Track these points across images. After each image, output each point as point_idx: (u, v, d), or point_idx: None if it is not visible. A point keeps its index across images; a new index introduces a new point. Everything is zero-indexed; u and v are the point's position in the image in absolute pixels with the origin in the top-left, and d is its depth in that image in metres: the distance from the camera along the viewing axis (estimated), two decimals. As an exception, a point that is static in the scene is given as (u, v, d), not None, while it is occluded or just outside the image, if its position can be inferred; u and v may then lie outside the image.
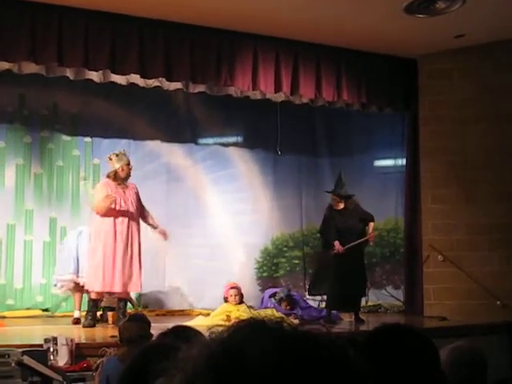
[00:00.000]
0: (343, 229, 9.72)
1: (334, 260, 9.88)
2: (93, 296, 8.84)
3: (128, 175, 9.00)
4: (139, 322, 5.39)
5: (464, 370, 3.02)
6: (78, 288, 9.22)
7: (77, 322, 9.07)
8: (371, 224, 10.02)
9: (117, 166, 8.94)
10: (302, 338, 1.01)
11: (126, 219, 8.82)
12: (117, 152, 9.08)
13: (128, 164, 9.00)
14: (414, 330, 2.12)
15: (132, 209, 8.90)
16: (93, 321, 8.76)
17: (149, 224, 9.16)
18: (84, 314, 8.99)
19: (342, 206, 9.96)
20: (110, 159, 9.01)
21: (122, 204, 8.82)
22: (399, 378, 1.91)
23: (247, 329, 1.01)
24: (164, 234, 9.26)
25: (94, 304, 8.87)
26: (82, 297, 9.27)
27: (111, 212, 8.71)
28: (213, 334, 1.03)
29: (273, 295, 10.53)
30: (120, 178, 8.93)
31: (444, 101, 10.60)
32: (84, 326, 8.68)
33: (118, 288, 8.78)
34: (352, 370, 0.99)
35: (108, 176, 9.02)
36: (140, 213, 9.03)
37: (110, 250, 8.69)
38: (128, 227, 8.82)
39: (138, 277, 8.85)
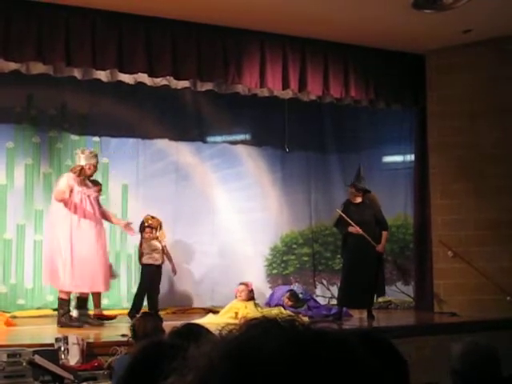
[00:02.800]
0: (358, 222, 9.70)
1: (345, 255, 9.90)
2: (62, 296, 8.81)
3: (92, 174, 9.00)
4: (153, 319, 5.41)
5: (477, 365, 3.01)
6: None
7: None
8: (384, 233, 9.89)
9: (83, 162, 8.92)
10: (316, 334, 1.01)
11: (88, 218, 8.84)
12: (90, 150, 9.10)
13: (95, 165, 9.01)
14: (376, 336, 2.12)
15: (94, 207, 8.93)
16: (75, 322, 8.71)
17: (114, 223, 9.21)
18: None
19: (359, 199, 9.93)
20: (82, 152, 9.01)
21: (84, 201, 8.84)
22: None
23: (261, 326, 1.02)
24: (130, 230, 9.28)
25: (65, 304, 8.81)
26: (100, 295, 9.25)
27: (71, 207, 8.73)
28: (223, 332, 1.04)
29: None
30: (85, 175, 8.91)
31: (452, 96, 10.58)
32: (62, 326, 8.62)
33: (85, 288, 8.82)
34: (364, 368, 0.99)
35: (73, 171, 8.96)
36: (102, 214, 9.05)
37: (68, 249, 8.66)
38: (90, 226, 8.83)
39: (105, 276, 8.87)
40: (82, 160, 8.93)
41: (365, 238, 9.61)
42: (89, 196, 8.89)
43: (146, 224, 9.80)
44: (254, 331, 1.00)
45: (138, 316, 5.79)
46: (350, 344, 1.02)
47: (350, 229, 9.68)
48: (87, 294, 9.00)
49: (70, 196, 8.70)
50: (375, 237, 9.73)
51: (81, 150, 9.07)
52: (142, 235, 9.79)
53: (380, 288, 10.10)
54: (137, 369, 2.14)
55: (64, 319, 8.70)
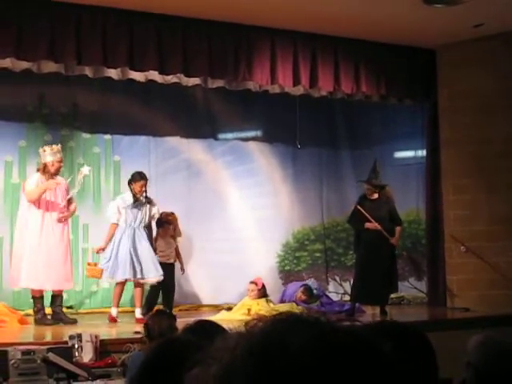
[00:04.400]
0: (374, 218, 9.68)
1: (359, 251, 9.90)
2: (34, 294, 8.87)
3: (58, 171, 9.00)
4: (166, 317, 5.43)
5: (493, 359, 3.01)
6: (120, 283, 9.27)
7: (113, 319, 9.08)
8: (398, 228, 9.93)
9: (48, 159, 8.93)
10: (342, 329, 1.01)
11: (55, 214, 8.89)
12: (53, 146, 9.08)
13: (60, 161, 9.01)
14: (408, 327, 2.12)
15: (61, 204, 8.96)
16: (48, 319, 8.77)
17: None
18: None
19: (375, 195, 9.93)
20: (44, 151, 9.02)
21: (52, 199, 8.89)
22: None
23: (287, 321, 1.02)
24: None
25: (40, 302, 8.86)
26: (121, 294, 9.30)
27: (40, 205, 8.81)
28: (248, 326, 1.03)
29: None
30: (49, 173, 8.92)
31: (464, 91, 10.55)
32: (38, 325, 8.70)
33: (49, 285, 8.85)
34: (388, 364, 0.99)
35: (37, 170, 9.05)
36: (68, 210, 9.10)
37: (36, 246, 8.73)
38: (56, 222, 8.88)
39: (69, 273, 8.92)
40: (46, 157, 8.96)
41: (380, 233, 9.60)
42: (58, 194, 8.94)
43: (165, 220, 9.79)
44: (280, 326, 1.00)
45: (151, 314, 5.80)
46: (375, 340, 1.02)
47: (367, 225, 9.65)
48: (60, 290, 9.02)
49: (43, 193, 8.78)
50: (389, 233, 9.74)
51: (43, 148, 9.06)
52: (158, 231, 9.78)
53: (393, 284, 10.08)
54: (151, 366, 2.15)
55: (38, 316, 8.76)
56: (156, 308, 9.00)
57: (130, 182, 9.36)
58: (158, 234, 9.80)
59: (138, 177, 9.38)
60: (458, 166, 10.58)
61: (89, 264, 9.44)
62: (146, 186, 9.36)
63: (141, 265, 9.12)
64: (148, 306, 9.39)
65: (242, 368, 0.95)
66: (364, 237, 9.80)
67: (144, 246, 9.21)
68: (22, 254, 8.78)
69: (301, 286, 10.64)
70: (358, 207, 9.85)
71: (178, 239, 9.93)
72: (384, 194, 10.00)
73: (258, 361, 0.94)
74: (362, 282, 9.65)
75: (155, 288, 9.56)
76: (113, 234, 9.22)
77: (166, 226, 9.74)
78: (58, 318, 8.88)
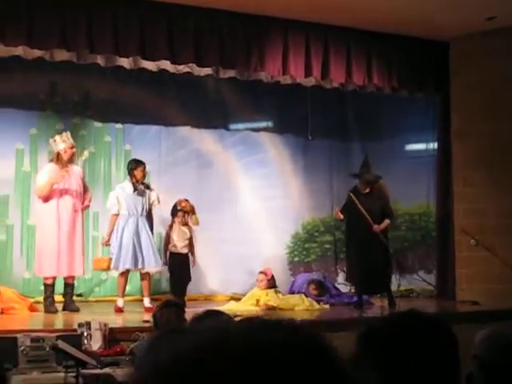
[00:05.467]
0: (365, 212, 9.70)
1: (351, 244, 9.94)
2: (45, 281, 8.93)
3: (71, 158, 9.02)
4: (174, 307, 5.43)
5: (500, 352, 3.01)
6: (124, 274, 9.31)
7: (119, 310, 9.11)
8: (386, 220, 9.88)
9: (60, 147, 8.95)
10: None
11: (70, 203, 8.93)
12: (62, 134, 9.12)
13: (72, 147, 9.02)
14: (431, 317, 2.12)
15: (76, 193, 8.99)
16: (53, 307, 8.82)
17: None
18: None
19: (368, 189, 9.94)
20: (54, 141, 9.05)
21: (66, 186, 8.92)
22: (415, 365, 1.91)
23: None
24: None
25: (49, 289, 8.91)
26: (125, 284, 9.32)
27: (54, 195, 8.84)
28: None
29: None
30: (63, 161, 8.94)
31: (475, 83, 10.50)
32: (46, 312, 8.76)
33: (64, 272, 8.92)
34: (334, 371, 1.00)
35: (51, 160, 9.09)
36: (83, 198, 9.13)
37: (55, 235, 8.81)
38: (72, 211, 8.92)
39: (80, 260, 8.98)
40: (58, 145, 9.00)
41: (371, 227, 9.61)
42: (72, 182, 8.97)
43: (179, 207, 9.74)
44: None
45: (159, 305, 5.81)
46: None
47: (375, 228, 9.64)
48: (72, 277, 9.07)
49: (51, 188, 8.81)
50: (377, 223, 9.75)
51: (54, 138, 9.09)
52: (172, 219, 9.75)
53: (389, 275, 10.09)
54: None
55: (47, 303, 8.84)
56: (165, 298, 9.02)
57: (131, 170, 9.35)
58: (172, 222, 9.75)
59: (138, 162, 9.40)
60: (469, 158, 10.55)
61: (95, 259, 9.48)
62: (145, 170, 9.38)
63: (142, 254, 9.14)
64: (174, 295, 9.35)
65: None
66: (355, 230, 9.83)
67: (145, 235, 9.22)
68: (44, 243, 8.87)
69: (310, 281, 10.61)
70: (352, 196, 9.85)
71: (194, 228, 9.86)
72: (377, 189, 10.02)
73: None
74: (362, 273, 9.66)
75: (171, 278, 9.58)
76: (114, 225, 9.24)
77: (181, 214, 9.68)
78: (69, 306, 8.93)
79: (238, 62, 9.45)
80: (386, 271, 9.83)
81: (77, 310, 8.85)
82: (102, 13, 8.68)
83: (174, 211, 9.71)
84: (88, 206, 9.29)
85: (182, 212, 9.66)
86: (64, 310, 8.92)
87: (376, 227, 9.69)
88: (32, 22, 8.31)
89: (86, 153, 9.47)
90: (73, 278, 9.09)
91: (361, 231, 9.72)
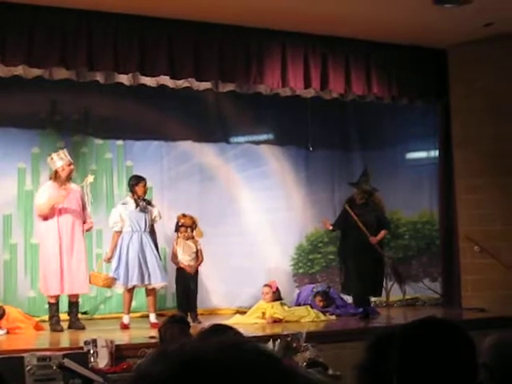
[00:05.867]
0: (359, 222, 9.73)
1: (344, 254, 10.05)
2: (50, 300, 8.90)
3: (69, 176, 9.00)
4: (180, 324, 5.42)
5: (508, 361, 3.00)
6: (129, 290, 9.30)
7: (125, 327, 9.09)
8: (383, 231, 9.99)
9: (58, 164, 8.93)
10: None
11: (70, 222, 8.89)
12: (58, 152, 9.10)
13: (69, 165, 8.99)
14: (450, 323, 2.12)
15: (75, 211, 8.95)
16: (59, 325, 8.78)
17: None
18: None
19: (363, 200, 9.99)
20: (52, 159, 9.03)
21: (65, 205, 8.87)
22: (434, 371, 1.90)
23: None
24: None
25: (54, 308, 8.88)
26: (131, 300, 9.31)
27: (54, 214, 8.82)
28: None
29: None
30: (61, 179, 8.92)
31: (475, 90, 10.51)
32: (52, 331, 8.73)
33: (68, 290, 8.89)
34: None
35: (50, 178, 9.08)
36: (84, 215, 9.09)
37: (57, 253, 8.77)
38: (72, 229, 8.89)
39: (84, 278, 8.92)
40: (56, 163, 8.98)
41: (366, 238, 9.66)
42: (71, 200, 8.93)
43: (180, 223, 9.78)
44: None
45: (163, 321, 5.80)
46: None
47: (372, 239, 9.67)
48: (76, 296, 9.05)
49: (51, 207, 8.78)
50: (373, 234, 9.81)
51: (51, 156, 9.06)
52: (177, 235, 9.77)
53: (377, 290, 10.12)
54: None
55: (52, 322, 8.81)
56: (171, 313, 9.00)
57: (132, 186, 9.35)
58: (177, 237, 9.77)
59: (139, 178, 9.41)
60: (471, 165, 10.54)
61: (91, 273, 9.43)
62: (146, 186, 9.38)
63: (148, 270, 9.13)
64: (180, 309, 9.36)
65: None
66: (350, 240, 9.83)
67: (150, 251, 9.21)
68: (47, 262, 8.85)
69: (316, 293, 10.57)
70: (347, 207, 9.86)
71: (199, 241, 9.87)
72: (372, 201, 10.03)
73: None
74: (358, 286, 9.75)
75: (177, 292, 9.59)
76: (116, 242, 9.23)
77: (183, 229, 9.71)
78: (74, 325, 8.90)
79: (237, 75, 9.47)
80: (371, 289, 9.93)
81: (82, 328, 8.83)
82: (100, 30, 8.71)
83: (177, 227, 9.75)
84: (91, 227, 9.24)
85: (184, 227, 9.69)
86: (70, 328, 8.89)
87: (373, 239, 9.74)
88: (31, 40, 8.34)
89: (90, 177, 9.41)
90: (77, 296, 9.06)
91: (356, 242, 9.73)
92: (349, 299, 10.87)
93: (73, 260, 8.86)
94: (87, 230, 9.14)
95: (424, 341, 1.95)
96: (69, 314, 9.05)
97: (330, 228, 10.23)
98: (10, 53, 8.30)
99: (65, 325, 8.97)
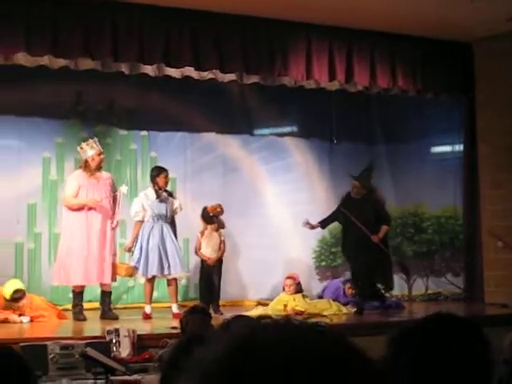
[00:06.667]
0: (357, 217, 9.53)
1: (346, 251, 9.98)
2: (75, 289, 8.92)
3: (99, 165, 8.99)
4: (201, 314, 5.43)
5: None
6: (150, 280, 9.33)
7: (147, 316, 9.13)
8: (384, 227, 9.73)
9: (89, 153, 8.92)
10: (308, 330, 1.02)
11: (100, 211, 8.87)
12: (88, 141, 9.10)
13: (99, 154, 8.99)
14: (463, 319, 2.11)
15: (104, 201, 8.92)
16: (82, 315, 8.80)
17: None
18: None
19: (360, 194, 9.78)
20: (81, 148, 9.03)
21: (95, 196, 8.85)
22: (447, 366, 1.90)
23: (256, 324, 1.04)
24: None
25: (78, 297, 8.90)
26: (152, 290, 9.34)
27: (83, 207, 8.82)
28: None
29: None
30: (91, 169, 8.91)
31: (501, 84, 10.44)
32: (75, 320, 8.75)
33: (94, 280, 8.90)
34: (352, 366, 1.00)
35: (79, 167, 9.08)
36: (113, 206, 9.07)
37: (84, 243, 8.77)
38: (101, 219, 8.88)
39: (109, 268, 8.90)
40: (86, 152, 8.98)
41: (365, 233, 9.49)
42: (101, 189, 8.93)
43: (212, 214, 9.78)
44: (249, 330, 1.01)
45: (185, 311, 5.82)
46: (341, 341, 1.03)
47: (374, 238, 9.52)
48: (108, 286, 9.04)
49: (82, 206, 8.79)
50: (373, 232, 9.59)
51: (80, 146, 9.06)
52: (204, 226, 9.79)
53: (387, 283, 9.93)
54: (175, 359, 2.16)
55: (75, 311, 8.84)
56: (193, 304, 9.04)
57: (154, 177, 9.38)
58: (204, 228, 9.80)
59: (160, 169, 9.42)
60: (496, 160, 10.48)
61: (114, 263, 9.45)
62: (168, 177, 9.40)
63: (168, 261, 9.16)
64: (202, 300, 9.41)
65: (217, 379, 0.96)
66: (350, 237, 9.73)
67: (170, 242, 9.24)
68: (71, 251, 8.84)
69: (345, 281, 10.52)
70: (343, 210, 9.72)
71: (222, 231, 9.93)
72: (372, 198, 9.82)
73: (226, 366, 0.96)
74: (359, 280, 9.65)
75: (200, 282, 9.63)
76: (138, 232, 9.27)
77: (215, 219, 9.74)
78: (107, 315, 8.88)
79: (261, 67, 9.46)
80: (384, 274, 9.77)
81: (115, 319, 8.75)
82: (125, 21, 8.74)
83: (208, 218, 9.74)
84: (117, 226, 9.23)
85: (216, 217, 9.72)
86: (102, 318, 8.87)
87: (375, 237, 9.54)
88: (57, 31, 8.39)
89: (124, 187, 9.34)
90: (109, 286, 9.04)
91: (357, 239, 9.56)
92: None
93: (100, 250, 8.83)
94: (113, 229, 9.09)
95: (433, 336, 1.95)
96: (101, 304, 9.07)
97: (317, 226, 10.03)
98: (35, 43, 8.35)
99: (97, 314, 9.01)
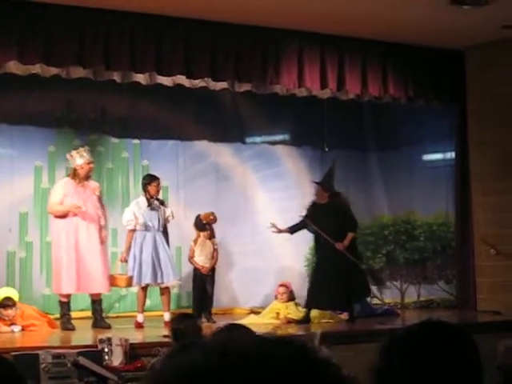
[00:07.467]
0: (323, 223, 9.45)
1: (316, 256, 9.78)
2: (61, 299, 8.88)
3: (88, 174, 8.95)
4: (192, 321, 5.44)
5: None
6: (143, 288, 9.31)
7: (140, 325, 9.11)
8: (349, 234, 9.53)
9: (78, 162, 8.88)
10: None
11: (86, 219, 8.82)
12: (79, 149, 9.07)
13: (89, 163, 8.95)
14: (450, 325, 2.12)
15: (91, 209, 8.88)
16: (70, 324, 8.75)
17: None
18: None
19: (325, 199, 9.71)
20: (71, 156, 8.99)
21: (81, 204, 8.80)
22: (438, 373, 1.90)
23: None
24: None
25: (65, 307, 8.85)
26: (145, 299, 9.33)
27: (69, 213, 8.77)
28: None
29: None
30: (79, 177, 8.87)
31: (492, 92, 10.47)
32: (63, 329, 8.71)
33: (85, 289, 8.87)
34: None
35: (68, 175, 9.06)
36: (102, 215, 9.03)
37: (72, 251, 8.71)
38: (89, 227, 8.83)
39: (102, 277, 8.85)
40: (76, 160, 8.93)
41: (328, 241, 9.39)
42: (87, 198, 8.89)
43: (205, 221, 9.78)
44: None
45: (172, 318, 5.83)
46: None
47: (338, 245, 9.37)
48: (98, 295, 9.00)
49: (66, 212, 8.74)
50: (338, 238, 9.42)
51: (70, 154, 9.02)
52: (197, 233, 9.79)
53: (357, 292, 9.76)
54: None
55: (63, 321, 8.79)
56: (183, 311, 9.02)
57: (146, 185, 9.36)
58: (197, 236, 9.79)
59: (152, 177, 9.42)
60: (488, 168, 10.50)
61: (112, 275, 9.39)
62: (159, 185, 9.39)
63: (161, 269, 9.15)
64: (195, 309, 9.41)
65: None
66: (317, 248, 9.70)
67: (163, 250, 9.23)
68: (62, 260, 8.80)
69: None
70: (307, 221, 9.64)
71: (215, 240, 9.91)
72: (338, 202, 9.73)
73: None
74: (316, 286, 9.48)
75: (193, 291, 9.63)
76: (131, 241, 9.25)
77: (208, 227, 9.74)
78: (100, 324, 8.84)
79: (253, 75, 9.48)
80: (349, 289, 9.51)
81: (108, 327, 8.70)
82: (117, 29, 8.75)
83: (201, 225, 9.74)
84: (106, 239, 9.20)
85: (209, 225, 9.72)
86: (94, 327, 8.84)
87: (339, 245, 9.38)
88: (49, 39, 8.39)
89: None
90: (98, 295, 9.00)
91: (324, 250, 9.52)
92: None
93: (89, 259, 8.81)
94: (102, 242, 9.02)
95: (423, 343, 1.95)
96: (93, 313, 9.03)
97: (285, 231, 9.91)
98: (27, 51, 8.35)
99: (89, 323, 8.97)
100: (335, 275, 9.34)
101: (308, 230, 9.92)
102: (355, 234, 9.80)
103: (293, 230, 10.00)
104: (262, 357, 1.00)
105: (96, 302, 8.98)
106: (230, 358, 1.00)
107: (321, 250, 9.63)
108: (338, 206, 9.69)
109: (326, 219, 9.48)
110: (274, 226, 9.90)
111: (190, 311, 9.18)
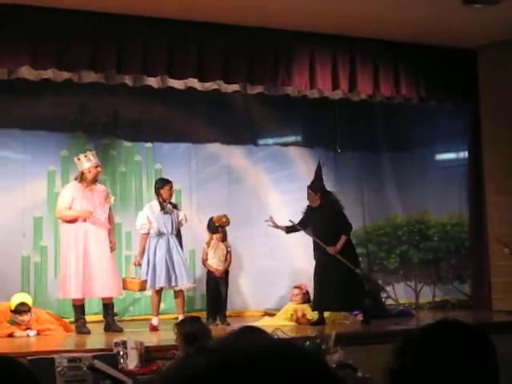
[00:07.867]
0: (318, 226, 9.41)
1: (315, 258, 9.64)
2: (74, 303, 8.88)
3: (96, 178, 8.94)
4: (201, 323, 5.45)
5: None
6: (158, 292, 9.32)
7: (154, 328, 9.12)
8: (342, 237, 9.38)
9: (85, 166, 8.87)
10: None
11: (94, 224, 8.81)
12: (86, 153, 9.07)
13: (97, 166, 8.93)
14: (465, 325, 2.11)
15: (99, 213, 8.86)
16: (86, 328, 8.74)
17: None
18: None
19: (317, 202, 9.64)
20: (79, 159, 8.98)
21: (89, 208, 8.79)
22: (453, 374, 1.90)
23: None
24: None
25: (79, 311, 8.86)
26: (159, 302, 9.33)
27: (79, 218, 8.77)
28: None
29: None
30: (87, 181, 8.86)
31: (505, 91, 10.43)
32: (78, 333, 8.70)
33: (94, 294, 8.87)
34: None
35: (75, 178, 9.04)
36: (109, 219, 9.01)
37: (80, 256, 8.70)
38: (98, 232, 8.82)
39: (114, 281, 8.87)
40: (83, 164, 8.92)
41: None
42: (95, 201, 8.88)
43: (218, 224, 9.78)
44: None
45: (185, 321, 5.86)
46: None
47: (329, 250, 9.28)
48: (109, 299, 8.99)
49: (75, 218, 8.74)
50: (331, 241, 9.34)
51: (78, 157, 9.02)
52: (210, 236, 9.80)
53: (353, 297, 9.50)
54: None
55: (78, 324, 8.79)
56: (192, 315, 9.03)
57: (158, 189, 9.38)
58: (210, 239, 9.80)
59: (165, 181, 9.43)
60: (501, 167, 10.47)
61: (125, 279, 9.40)
62: (172, 189, 9.39)
63: (175, 272, 9.17)
64: (208, 313, 9.42)
65: None
66: (315, 251, 9.61)
67: (177, 253, 9.24)
68: (70, 264, 8.82)
69: None
70: (298, 227, 9.58)
71: (228, 242, 9.93)
72: (328, 200, 9.63)
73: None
74: (319, 289, 9.40)
75: (207, 294, 9.64)
76: (145, 245, 9.27)
77: (220, 229, 9.75)
78: (112, 327, 8.85)
79: (265, 77, 9.48)
80: (352, 291, 9.33)
81: (120, 331, 8.71)
82: (129, 33, 8.78)
83: (213, 228, 9.75)
84: (114, 249, 9.17)
85: (222, 227, 9.72)
86: (106, 330, 8.86)
87: (330, 249, 9.28)
88: (61, 44, 8.43)
89: (111, 199, 9.23)
90: (109, 298, 9.02)
91: (320, 253, 9.46)
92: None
93: (98, 263, 8.80)
94: (112, 250, 9.03)
95: (438, 343, 1.95)
96: (104, 317, 9.05)
97: (281, 228, 9.77)
98: (40, 56, 8.39)
99: (101, 327, 8.97)
100: (336, 277, 9.28)
101: (306, 232, 9.87)
102: (348, 237, 9.62)
103: (289, 230, 9.93)
104: (265, 363, 1.01)
105: (108, 305, 9.00)
106: (231, 362, 1.00)
107: (318, 253, 9.57)
108: (329, 209, 9.58)
109: (319, 223, 9.43)
110: (271, 219, 9.80)
111: (202, 314, 9.17)
